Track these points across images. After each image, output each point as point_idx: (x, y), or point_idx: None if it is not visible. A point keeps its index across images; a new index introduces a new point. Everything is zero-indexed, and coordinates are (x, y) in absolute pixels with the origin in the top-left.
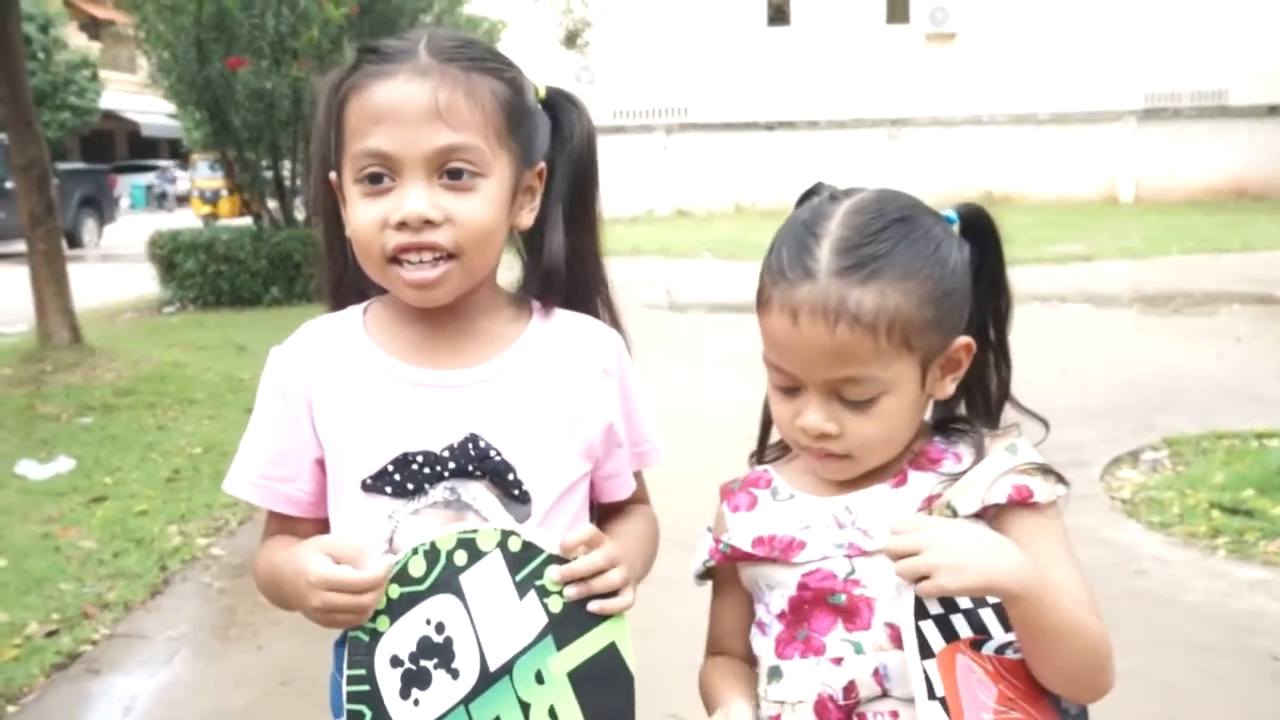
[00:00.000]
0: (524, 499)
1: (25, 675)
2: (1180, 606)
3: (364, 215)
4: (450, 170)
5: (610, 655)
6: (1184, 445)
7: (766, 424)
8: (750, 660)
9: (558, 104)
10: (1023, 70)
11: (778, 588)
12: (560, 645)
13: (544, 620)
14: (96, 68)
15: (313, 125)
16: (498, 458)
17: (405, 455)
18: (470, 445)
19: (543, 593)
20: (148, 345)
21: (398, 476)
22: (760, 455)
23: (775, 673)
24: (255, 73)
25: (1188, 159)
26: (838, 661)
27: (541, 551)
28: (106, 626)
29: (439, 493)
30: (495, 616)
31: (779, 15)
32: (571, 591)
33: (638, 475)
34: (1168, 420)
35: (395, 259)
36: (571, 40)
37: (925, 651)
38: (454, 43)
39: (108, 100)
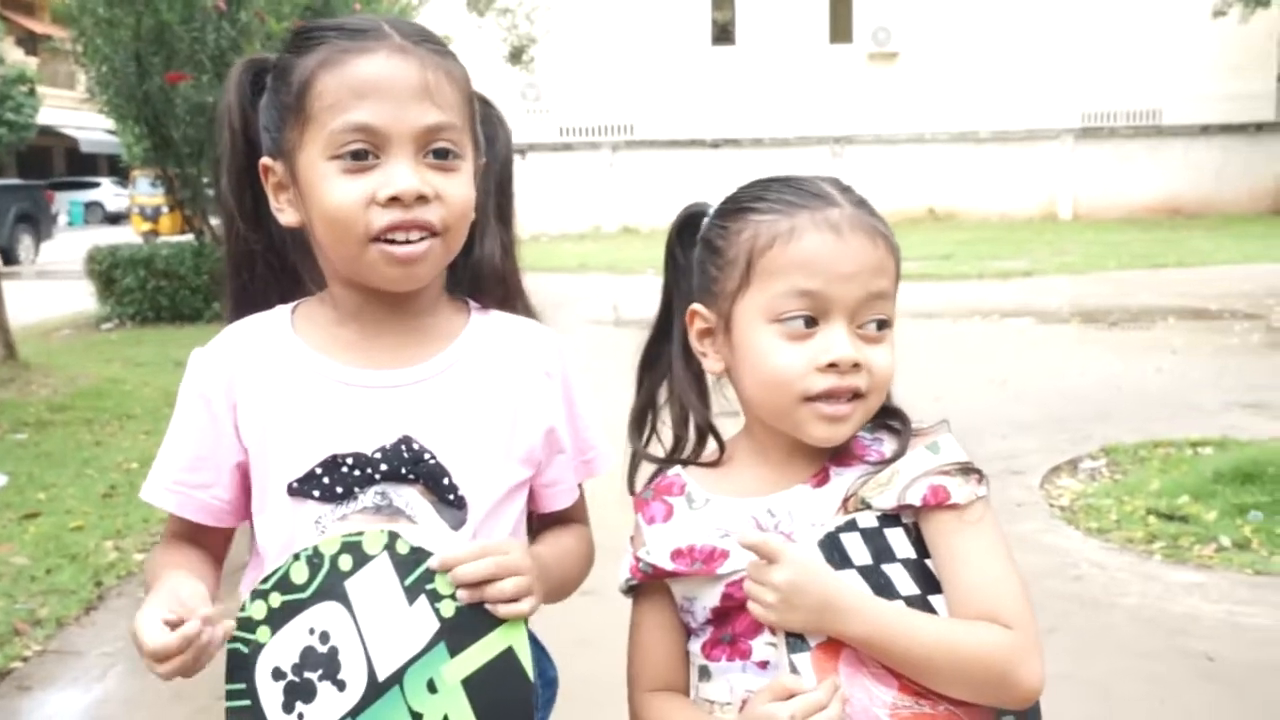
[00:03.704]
0: (459, 504)
1: None
2: (1118, 610)
3: (346, 192)
4: (436, 149)
5: (507, 661)
6: (1121, 454)
7: (680, 416)
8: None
9: (483, 111)
10: (963, 89)
11: (700, 598)
12: (454, 652)
13: (436, 626)
14: (34, 83)
15: (220, 113)
16: (432, 461)
17: (334, 457)
18: (404, 447)
19: (434, 597)
20: (85, 361)
21: (326, 480)
22: (674, 452)
23: (704, 672)
24: (196, 87)
25: (1124, 177)
26: (763, 665)
27: (430, 555)
28: (38, 643)
29: (369, 497)
30: (384, 623)
31: (724, 34)
32: (464, 595)
33: (579, 491)
34: (1106, 430)
35: (378, 238)
36: (516, 56)
37: (802, 645)
38: (416, 27)
39: (45, 116)
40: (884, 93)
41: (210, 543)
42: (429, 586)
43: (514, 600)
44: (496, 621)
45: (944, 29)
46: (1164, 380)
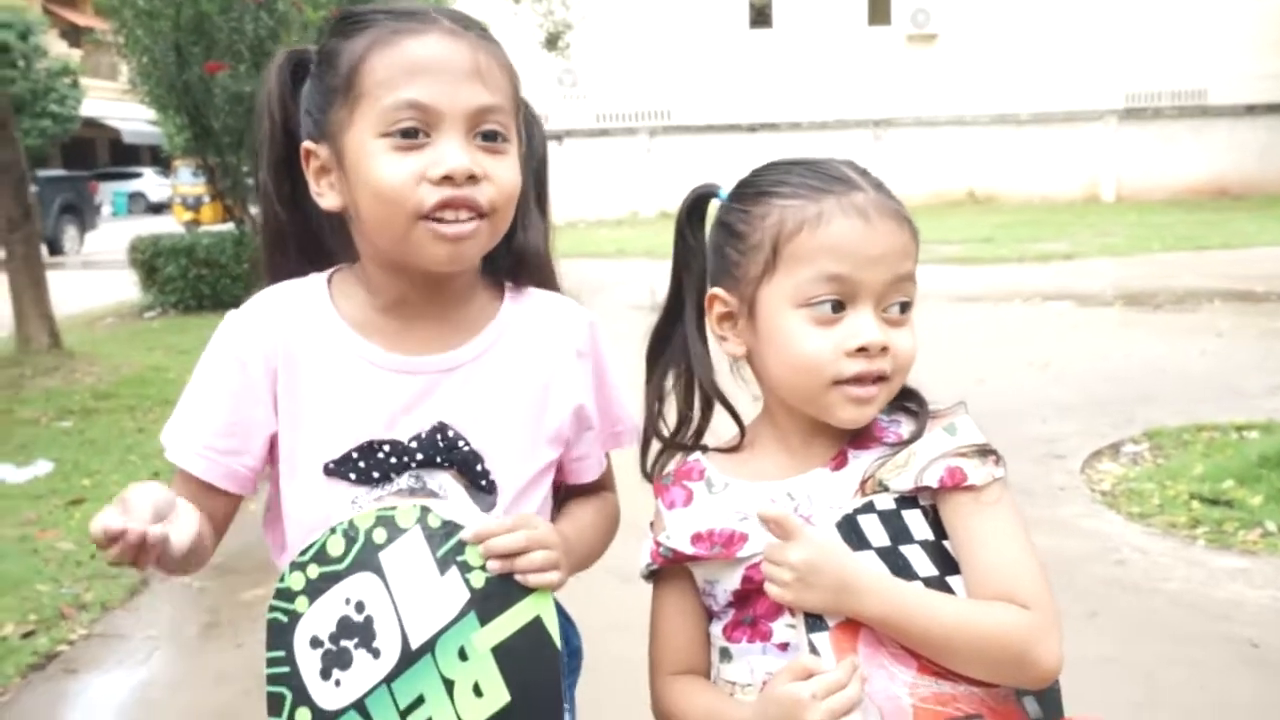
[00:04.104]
0: (490, 489)
1: (0, 677)
2: (1160, 595)
3: (397, 169)
4: (486, 131)
5: (535, 630)
6: (1164, 438)
7: (705, 402)
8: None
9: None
10: (1004, 71)
11: (721, 582)
12: (484, 621)
13: (466, 596)
14: (77, 75)
15: (260, 103)
16: (466, 448)
17: (372, 443)
18: (439, 435)
19: (465, 568)
20: (128, 349)
21: (362, 464)
22: (697, 438)
23: (725, 654)
24: (235, 77)
25: (1168, 158)
26: (783, 647)
27: (461, 528)
28: (84, 627)
29: (404, 480)
30: (416, 594)
31: (761, 17)
32: (495, 565)
33: (607, 460)
34: (1149, 413)
35: (428, 216)
36: (553, 43)
37: (821, 625)
38: (462, 15)
39: (88, 107)
40: (923, 75)
41: (214, 509)
42: (460, 558)
43: (543, 571)
44: (525, 592)
45: (983, 10)
46: (1208, 363)
